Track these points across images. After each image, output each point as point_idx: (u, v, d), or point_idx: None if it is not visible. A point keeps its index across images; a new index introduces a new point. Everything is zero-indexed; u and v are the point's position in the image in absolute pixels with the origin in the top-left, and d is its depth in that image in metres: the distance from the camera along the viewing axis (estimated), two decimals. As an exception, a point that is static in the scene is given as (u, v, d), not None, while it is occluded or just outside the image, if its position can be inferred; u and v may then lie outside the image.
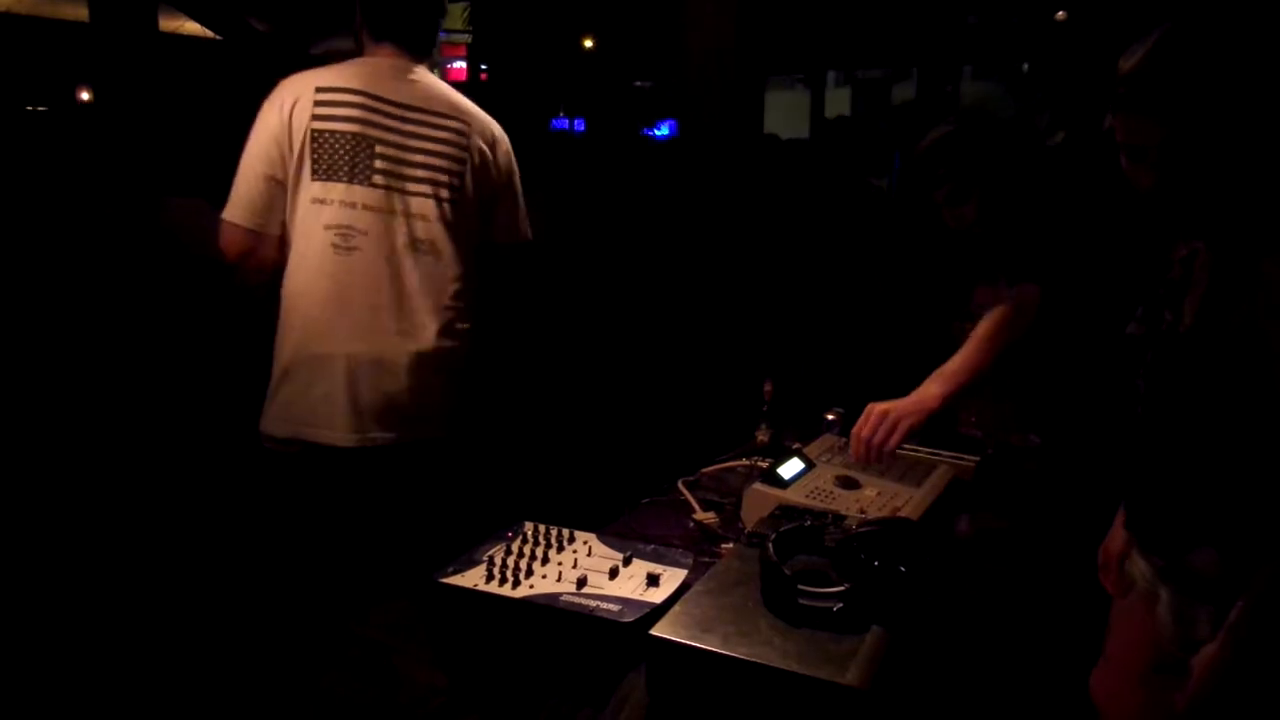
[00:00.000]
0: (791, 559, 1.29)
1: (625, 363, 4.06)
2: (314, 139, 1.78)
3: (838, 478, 1.82)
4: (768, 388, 2.24)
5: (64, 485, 3.22)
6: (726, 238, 3.84)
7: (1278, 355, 1.22)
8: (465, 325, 1.93)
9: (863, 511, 1.66)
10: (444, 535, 1.83)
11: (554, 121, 10.42)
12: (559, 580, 1.40)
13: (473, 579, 1.41)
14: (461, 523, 1.72)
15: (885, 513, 1.67)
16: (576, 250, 4.65)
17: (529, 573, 1.42)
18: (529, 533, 1.56)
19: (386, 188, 1.81)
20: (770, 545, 1.26)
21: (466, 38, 12.40)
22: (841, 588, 1.20)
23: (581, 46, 10.69)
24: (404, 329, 1.82)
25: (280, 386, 1.83)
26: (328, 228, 1.78)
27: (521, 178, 2.02)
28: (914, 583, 1.22)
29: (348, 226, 1.78)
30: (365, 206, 1.79)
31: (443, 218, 1.85)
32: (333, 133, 1.79)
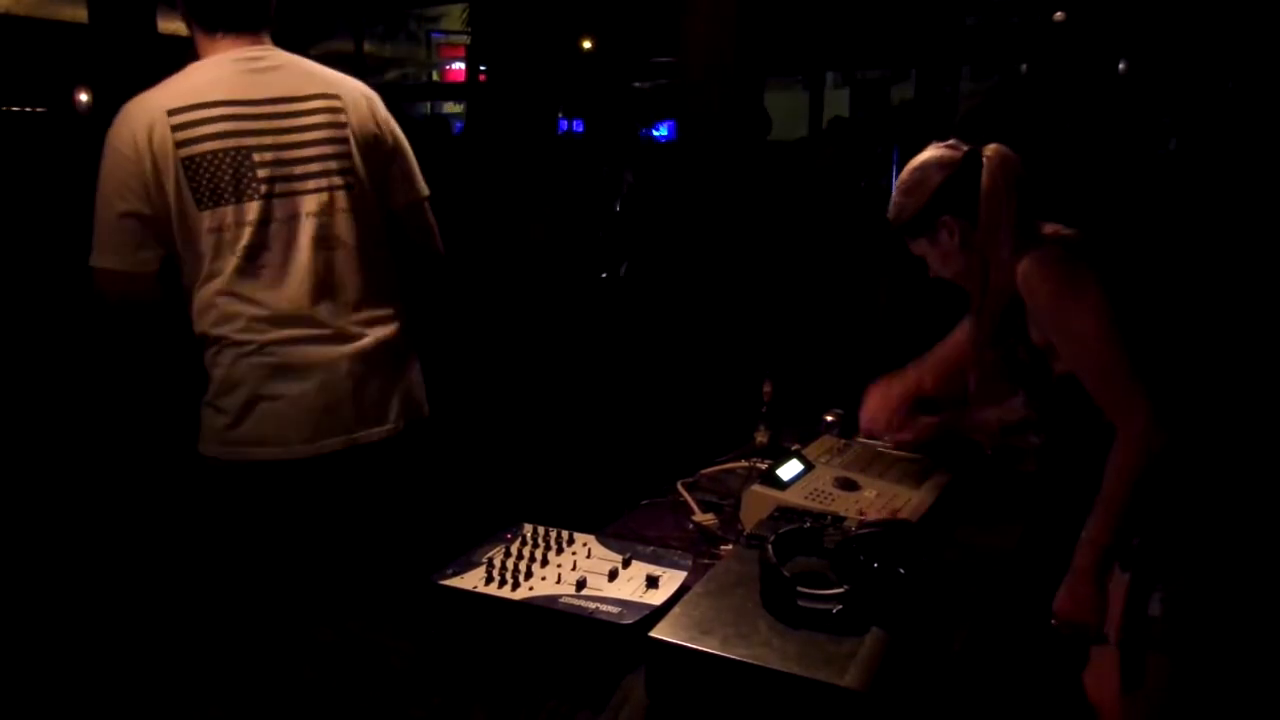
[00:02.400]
0: (790, 561, 1.29)
1: (624, 364, 4.06)
2: (186, 168, 1.61)
3: (837, 479, 1.82)
4: (767, 389, 2.23)
5: (65, 483, 3.22)
6: (726, 239, 3.84)
7: (1051, 335, 1.50)
8: (393, 312, 1.81)
9: (862, 513, 1.66)
10: (412, 530, 1.81)
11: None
12: (558, 582, 1.40)
13: (472, 581, 1.41)
14: (460, 524, 1.72)
15: (884, 514, 1.67)
16: (579, 252, 4.65)
17: (528, 574, 1.42)
18: (528, 534, 1.56)
19: (277, 195, 1.67)
20: (769, 547, 1.26)
21: (465, 39, 12.40)
22: (840, 589, 1.20)
23: (580, 48, 10.69)
24: (333, 334, 1.72)
25: (224, 406, 1.71)
26: (231, 253, 1.65)
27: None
28: (913, 585, 1.22)
29: (249, 246, 1.65)
30: (262, 221, 1.66)
31: (342, 207, 1.73)
32: (204, 155, 1.62)
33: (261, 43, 1.74)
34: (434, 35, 16.13)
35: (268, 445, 1.68)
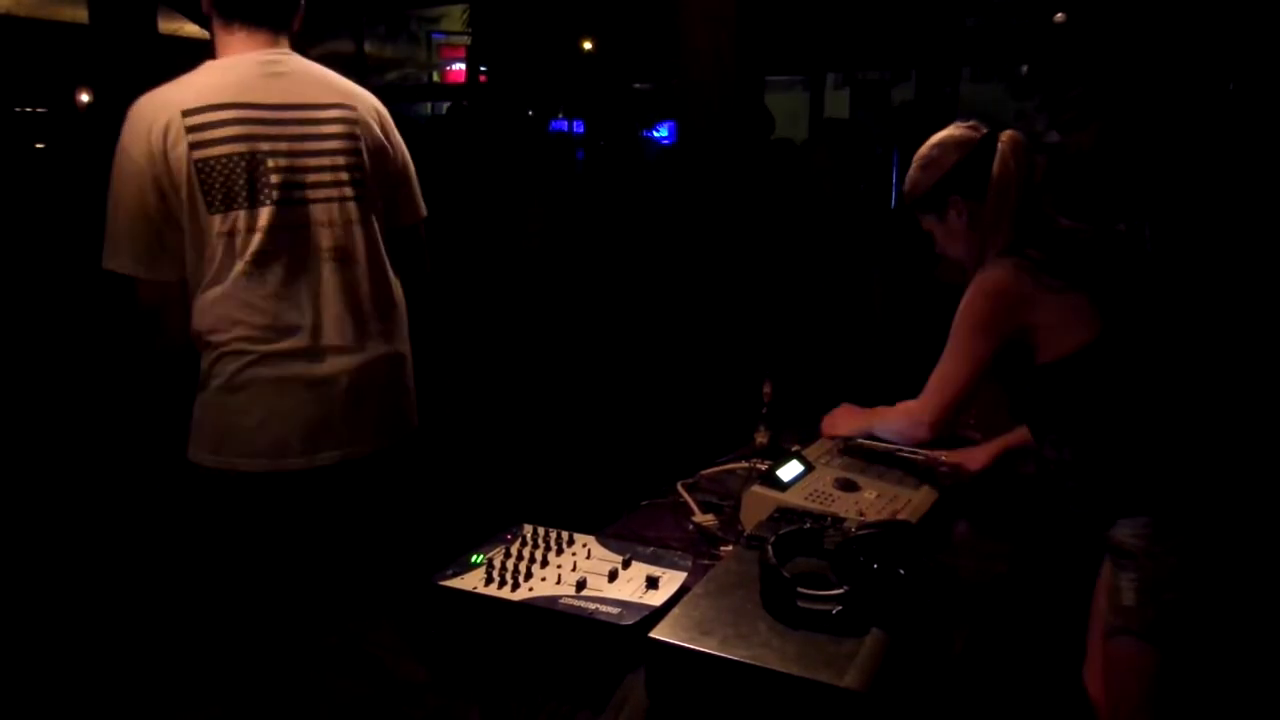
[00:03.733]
0: (790, 561, 1.29)
1: (625, 365, 4.06)
2: (200, 171, 1.58)
3: (837, 480, 1.82)
4: (767, 390, 2.24)
5: (66, 486, 3.22)
6: (726, 240, 3.84)
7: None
8: (393, 327, 1.80)
9: (862, 514, 1.66)
10: (407, 539, 1.80)
11: (553, 123, 10.42)
12: (558, 583, 1.40)
13: (472, 581, 1.41)
14: (460, 525, 1.72)
15: (884, 515, 1.67)
16: (577, 253, 4.65)
17: (528, 575, 1.42)
18: (528, 535, 1.56)
19: (289, 202, 1.64)
20: (769, 548, 1.26)
21: (466, 39, 12.40)
22: (840, 590, 1.20)
23: (581, 48, 10.69)
24: (336, 348, 1.69)
25: (218, 415, 1.68)
26: (240, 258, 1.62)
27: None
28: (913, 586, 1.22)
29: (259, 252, 1.62)
30: (274, 228, 1.63)
31: (352, 219, 1.72)
32: (218, 159, 1.59)
33: (279, 45, 1.71)
34: (435, 36, 16.13)
35: (258, 458, 1.64)
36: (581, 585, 1.39)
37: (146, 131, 1.58)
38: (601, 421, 3.83)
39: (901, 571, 1.22)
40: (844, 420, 2.01)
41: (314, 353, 1.68)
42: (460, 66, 13.61)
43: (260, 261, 1.63)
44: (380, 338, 1.76)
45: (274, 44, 1.71)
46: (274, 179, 1.63)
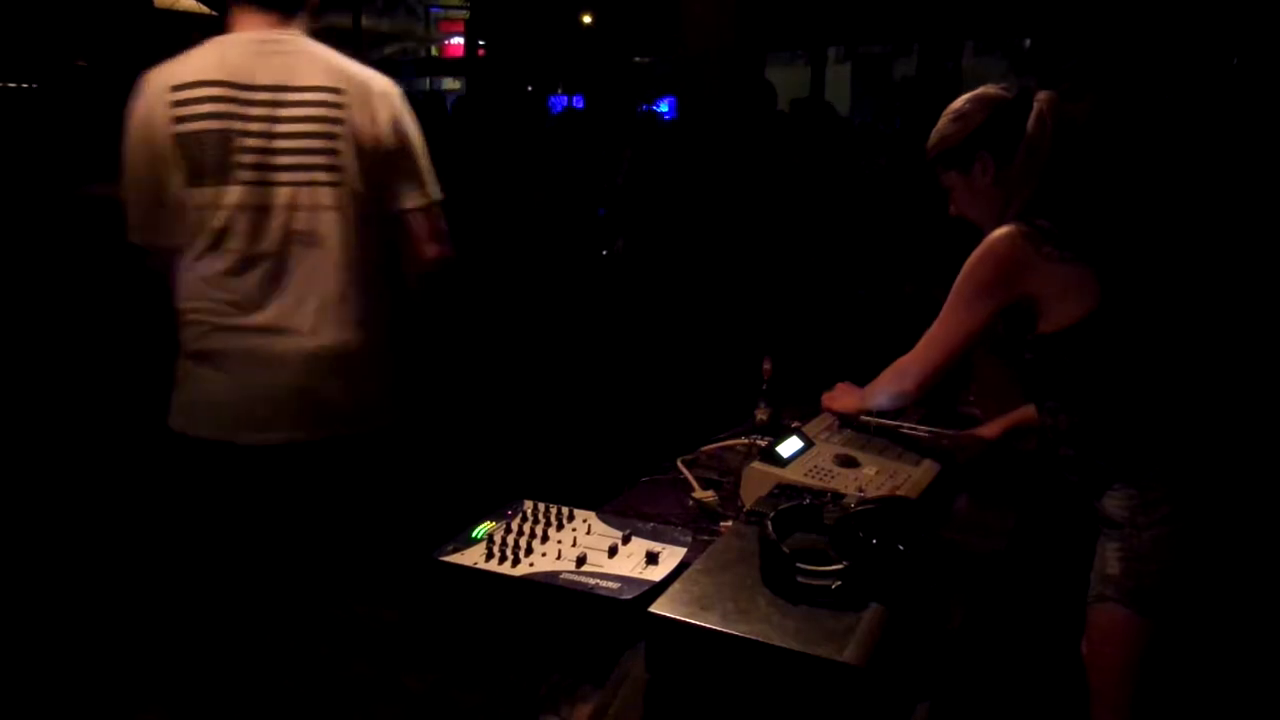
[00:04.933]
0: (790, 537, 1.29)
1: (625, 341, 4.06)
2: (179, 144, 1.64)
3: (837, 456, 1.82)
4: (767, 366, 2.23)
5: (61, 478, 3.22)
6: (726, 216, 3.82)
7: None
8: (367, 317, 1.75)
9: (861, 490, 1.67)
10: (382, 531, 1.78)
11: (552, 99, 10.34)
12: (558, 558, 1.41)
13: (472, 557, 1.41)
14: (460, 500, 1.72)
15: (884, 491, 1.67)
16: (576, 230, 4.64)
17: (528, 551, 1.42)
18: (528, 511, 1.56)
19: (256, 183, 1.66)
20: (769, 523, 1.26)
21: (464, 13, 12.30)
22: (840, 566, 1.20)
23: (580, 22, 10.60)
24: (289, 330, 1.69)
25: (182, 381, 1.75)
26: (207, 233, 1.66)
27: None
28: (912, 561, 1.22)
29: (219, 230, 1.65)
30: (241, 206, 1.65)
31: (322, 204, 1.69)
32: (195, 134, 1.64)
33: (286, 27, 1.71)
34: (433, 10, 15.99)
35: (215, 429, 1.70)
36: (582, 561, 1.39)
37: (143, 104, 1.65)
38: (602, 398, 3.83)
39: (901, 547, 1.22)
40: (842, 398, 2.01)
41: (270, 332, 1.69)
42: (459, 41, 13.51)
43: (220, 239, 1.66)
44: (345, 325, 1.72)
45: (282, 25, 1.71)
46: (246, 158, 1.64)
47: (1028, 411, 1.83)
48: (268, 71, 1.67)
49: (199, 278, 1.68)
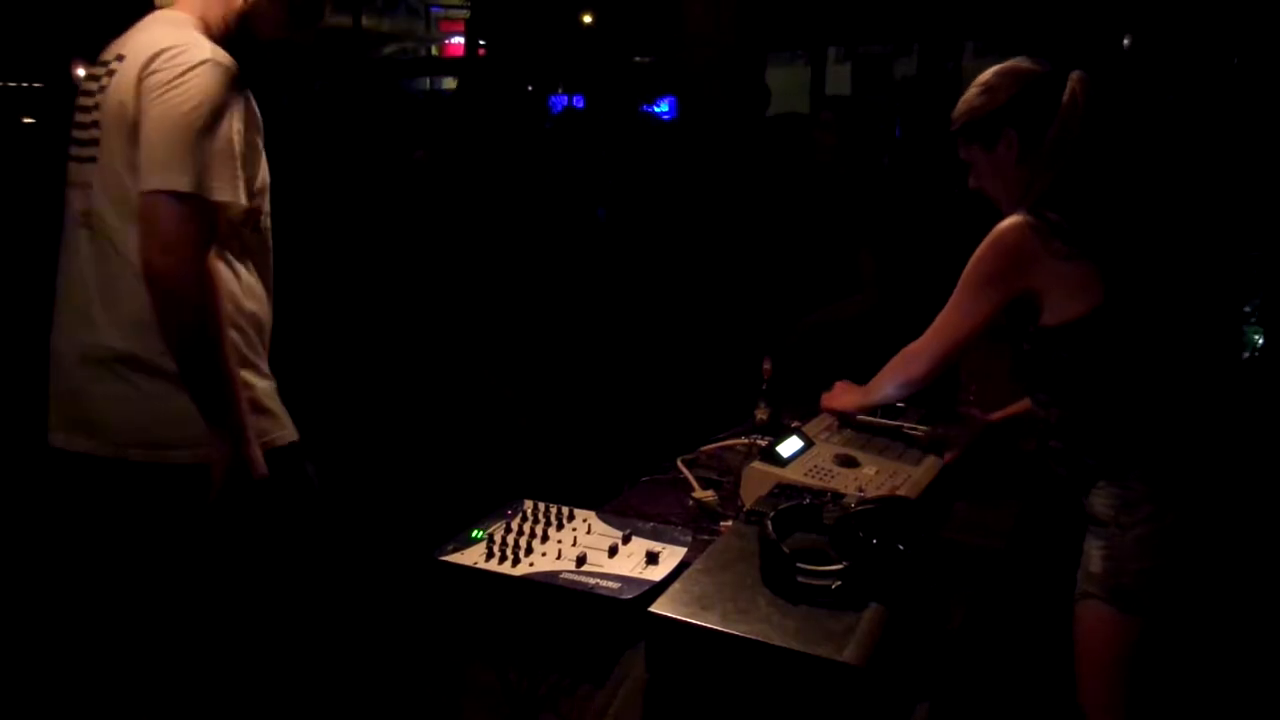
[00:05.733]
0: (790, 537, 1.29)
1: (625, 341, 4.06)
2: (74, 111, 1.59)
3: (837, 456, 1.82)
4: (767, 366, 2.23)
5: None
6: (726, 216, 3.82)
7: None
8: (129, 318, 1.50)
9: (861, 490, 1.67)
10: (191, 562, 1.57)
11: (552, 99, 10.34)
12: (558, 558, 1.41)
13: (472, 557, 1.41)
14: (460, 500, 1.72)
15: (884, 491, 1.67)
16: (578, 229, 4.64)
17: (528, 550, 1.42)
18: (529, 511, 1.56)
19: (75, 158, 1.58)
20: (769, 523, 1.26)
21: (465, 13, 12.29)
22: (840, 566, 1.20)
23: (580, 22, 10.61)
24: (77, 320, 1.55)
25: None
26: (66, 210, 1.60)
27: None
28: (912, 561, 1.22)
29: (63, 209, 1.59)
30: (68, 182, 1.59)
31: (91, 183, 1.53)
32: (80, 105, 1.59)
33: (186, 5, 1.60)
34: (433, 10, 15.99)
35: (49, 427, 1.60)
36: (582, 560, 1.39)
37: None
38: (602, 398, 3.83)
39: (900, 547, 1.22)
40: (842, 397, 2.01)
41: (59, 323, 1.59)
42: (459, 40, 13.49)
43: (64, 220, 1.59)
44: (110, 328, 1.51)
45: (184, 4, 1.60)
46: (75, 133, 1.58)
47: (1025, 403, 1.83)
48: (117, 46, 1.58)
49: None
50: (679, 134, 4.38)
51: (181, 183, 1.42)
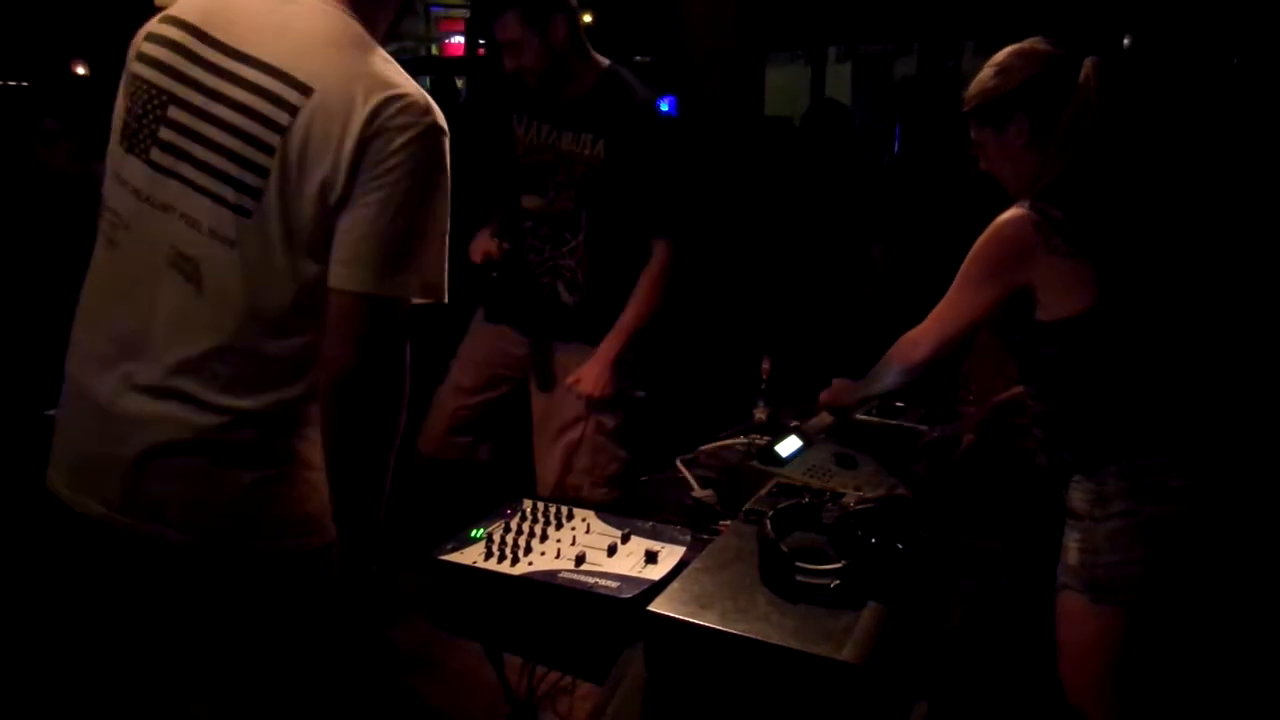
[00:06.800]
0: (789, 536, 1.30)
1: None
2: (128, 87, 1.22)
3: (836, 455, 1.82)
4: (765, 365, 2.24)
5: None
6: (725, 216, 3.82)
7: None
8: (239, 401, 1.17)
9: (860, 489, 1.67)
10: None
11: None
12: (557, 557, 1.41)
13: (471, 556, 1.41)
14: (459, 499, 1.72)
15: (883, 491, 1.67)
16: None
17: (528, 550, 1.42)
18: (528, 510, 1.57)
19: (164, 170, 1.18)
20: (768, 522, 1.26)
21: (465, 12, 12.29)
22: (839, 565, 1.20)
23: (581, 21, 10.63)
24: (132, 372, 1.19)
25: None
26: (104, 211, 1.24)
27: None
28: (910, 560, 1.22)
29: (114, 212, 1.22)
30: (135, 190, 1.20)
31: (218, 231, 1.16)
32: (138, 80, 1.21)
33: None
34: (433, 10, 15.99)
35: (51, 467, 1.27)
36: (581, 560, 1.39)
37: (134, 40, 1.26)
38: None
39: (899, 546, 1.22)
40: (840, 394, 2.00)
41: (106, 365, 1.21)
42: (459, 39, 13.48)
43: (111, 225, 1.23)
44: (199, 402, 1.17)
45: None
46: (163, 133, 1.18)
47: (1016, 390, 1.83)
48: (248, 28, 1.19)
49: (90, 275, 1.26)
50: (679, 133, 4.38)
51: (412, 287, 1.17)
